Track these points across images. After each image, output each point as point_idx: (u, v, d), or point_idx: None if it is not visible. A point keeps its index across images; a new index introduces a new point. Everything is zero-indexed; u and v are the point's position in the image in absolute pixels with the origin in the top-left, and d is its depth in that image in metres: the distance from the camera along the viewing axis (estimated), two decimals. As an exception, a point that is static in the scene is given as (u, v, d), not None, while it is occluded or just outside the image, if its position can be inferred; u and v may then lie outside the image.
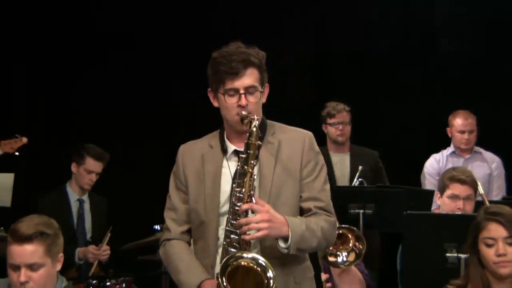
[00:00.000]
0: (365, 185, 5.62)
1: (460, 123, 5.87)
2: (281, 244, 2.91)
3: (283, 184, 3.00)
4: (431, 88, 6.71)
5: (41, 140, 5.47)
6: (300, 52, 6.81)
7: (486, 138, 6.03)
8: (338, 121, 5.87)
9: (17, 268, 3.02)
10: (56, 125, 6.53)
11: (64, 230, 3.23)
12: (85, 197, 5.59)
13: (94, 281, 4.83)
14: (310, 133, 3.13)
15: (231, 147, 3.06)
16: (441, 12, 6.80)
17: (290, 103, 6.53)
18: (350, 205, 5.07)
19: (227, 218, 2.92)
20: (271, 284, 2.79)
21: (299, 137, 3.09)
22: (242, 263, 2.82)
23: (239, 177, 2.91)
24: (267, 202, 2.93)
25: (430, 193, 5.05)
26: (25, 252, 3.00)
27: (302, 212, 3.05)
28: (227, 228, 2.92)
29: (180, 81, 6.70)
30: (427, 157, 6.06)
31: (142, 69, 6.71)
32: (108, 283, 4.83)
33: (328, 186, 3.11)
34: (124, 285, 4.90)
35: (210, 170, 3.04)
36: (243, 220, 2.85)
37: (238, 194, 2.90)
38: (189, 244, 3.13)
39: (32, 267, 3.00)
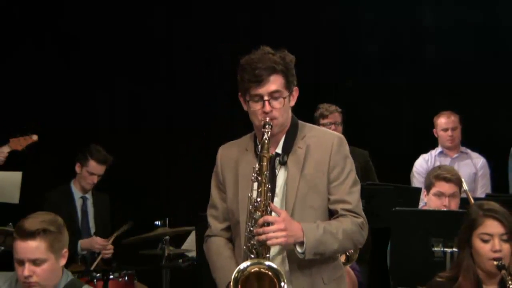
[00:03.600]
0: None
1: (444, 121, 5.94)
2: (298, 249, 2.87)
3: (310, 188, 2.96)
4: (418, 92, 6.69)
5: (46, 140, 5.43)
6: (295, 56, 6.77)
7: (471, 140, 6.06)
8: (331, 122, 5.86)
9: (21, 262, 3.02)
10: (60, 126, 6.49)
11: (69, 226, 3.22)
12: (88, 195, 5.62)
13: (98, 274, 4.82)
14: (339, 136, 3.08)
15: None
16: (429, 18, 6.78)
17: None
18: (341, 202, 5.04)
19: (246, 224, 2.89)
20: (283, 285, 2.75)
21: (327, 140, 3.03)
22: (253, 270, 2.79)
23: (256, 186, 2.88)
24: (292, 206, 2.92)
25: (417, 191, 5.02)
26: (29, 247, 3.00)
27: (332, 214, 3.01)
28: (246, 234, 2.89)
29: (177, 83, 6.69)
30: (413, 157, 6.07)
31: (143, 74, 6.69)
32: (111, 276, 4.82)
33: (357, 188, 3.06)
34: (126, 278, 4.90)
35: (243, 173, 3.00)
36: (260, 230, 2.81)
37: (254, 203, 2.87)
38: (230, 240, 3.08)
39: (35, 262, 3.00)
